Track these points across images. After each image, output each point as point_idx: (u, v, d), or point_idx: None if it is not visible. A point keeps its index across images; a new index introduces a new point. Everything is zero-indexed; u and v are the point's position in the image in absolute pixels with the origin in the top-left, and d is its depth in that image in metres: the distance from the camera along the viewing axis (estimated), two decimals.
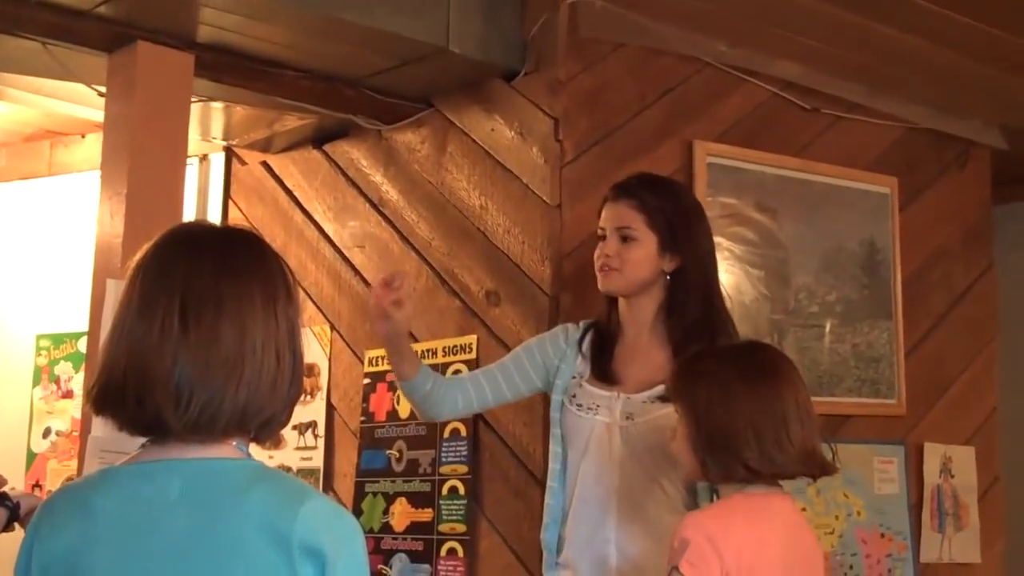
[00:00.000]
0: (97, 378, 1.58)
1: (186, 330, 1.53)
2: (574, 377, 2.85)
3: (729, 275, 3.65)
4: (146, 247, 1.63)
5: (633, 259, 2.79)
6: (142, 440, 1.61)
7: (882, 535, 3.87)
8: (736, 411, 2.21)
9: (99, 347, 1.61)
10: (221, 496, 1.55)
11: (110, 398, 1.57)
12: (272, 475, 1.62)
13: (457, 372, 3.51)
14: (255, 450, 1.69)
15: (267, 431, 1.64)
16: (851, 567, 3.76)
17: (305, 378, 3.91)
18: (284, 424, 1.66)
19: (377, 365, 3.79)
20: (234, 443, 1.61)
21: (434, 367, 3.53)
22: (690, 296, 2.79)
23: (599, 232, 2.87)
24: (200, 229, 1.71)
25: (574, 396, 2.82)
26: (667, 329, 2.80)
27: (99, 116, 3.55)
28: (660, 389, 2.67)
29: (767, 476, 2.22)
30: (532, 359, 2.94)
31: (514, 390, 2.95)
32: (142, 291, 1.57)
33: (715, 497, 2.46)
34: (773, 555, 2.17)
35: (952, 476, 4.11)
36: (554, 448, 2.86)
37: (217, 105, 3.93)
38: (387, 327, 2.74)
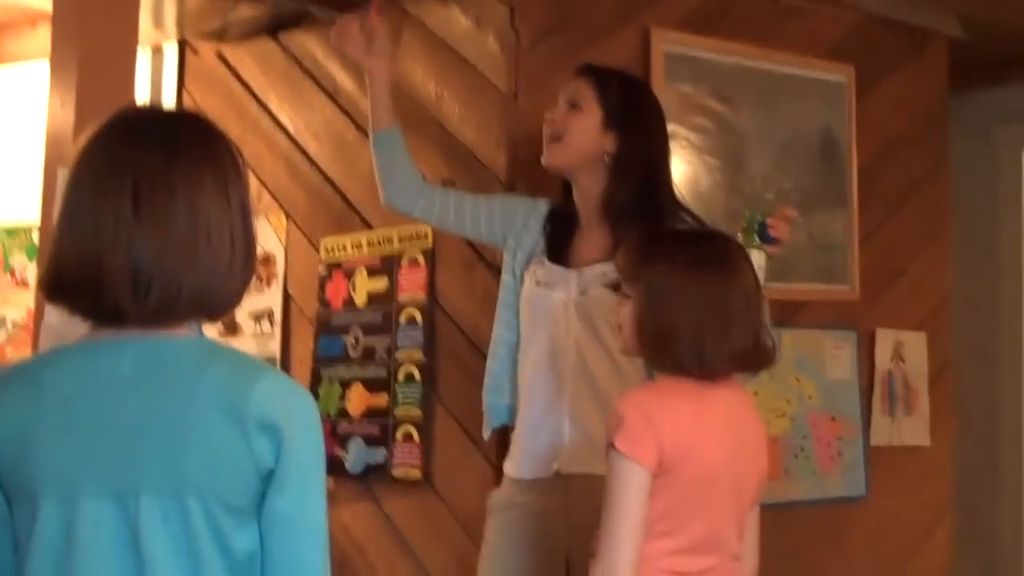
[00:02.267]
0: (49, 266, 1.58)
1: (139, 217, 1.53)
2: (537, 255, 2.90)
3: (686, 164, 3.65)
4: (91, 132, 1.61)
5: (575, 127, 2.84)
6: (94, 323, 1.61)
7: (833, 419, 3.93)
8: (683, 305, 2.18)
9: (50, 235, 1.60)
10: (175, 373, 1.56)
11: (65, 287, 1.57)
12: (226, 352, 1.64)
13: (414, 260, 3.53)
14: (214, 335, 1.69)
15: (222, 312, 1.65)
16: (802, 449, 3.82)
17: (261, 267, 3.94)
18: (238, 303, 1.66)
19: (333, 253, 3.79)
20: (188, 324, 1.62)
21: (390, 256, 3.57)
22: (627, 180, 2.82)
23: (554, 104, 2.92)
24: (146, 113, 1.70)
25: (535, 272, 2.87)
26: (605, 210, 2.84)
27: (49, 5, 3.49)
28: (607, 269, 2.69)
29: (695, 373, 2.19)
30: (504, 211, 3.01)
31: (474, 227, 3.04)
32: (92, 179, 1.56)
33: None
34: (713, 433, 2.19)
35: (903, 361, 4.17)
36: (505, 315, 2.93)
37: None
38: (373, 63, 2.95)
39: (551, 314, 2.83)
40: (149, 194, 1.54)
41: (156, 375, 1.55)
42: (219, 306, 1.62)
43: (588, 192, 2.89)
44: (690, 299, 2.19)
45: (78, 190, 1.57)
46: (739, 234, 2.57)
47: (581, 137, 2.85)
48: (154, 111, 1.72)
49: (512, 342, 2.93)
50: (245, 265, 1.62)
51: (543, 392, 2.82)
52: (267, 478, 1.54)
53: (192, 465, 1.52)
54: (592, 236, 2.86)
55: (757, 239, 2.55)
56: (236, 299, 1.64)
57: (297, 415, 1.57)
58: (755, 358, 2.26)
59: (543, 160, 2.91)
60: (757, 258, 2.46)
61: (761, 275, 2.46)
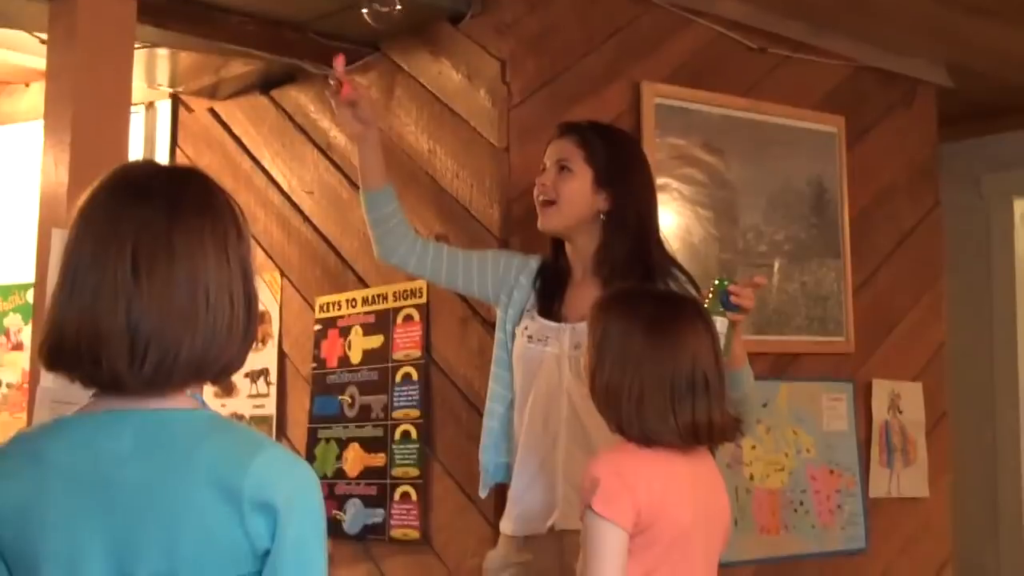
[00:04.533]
0: (48, 334, 1.54)
1: (139, 283, 1.49)
2: (528, 310, 2.91)
3: (678, 216, 3.66)
4: (90, 191, 1.58)
5: (568, 190, 2.86)
6: (93, 390, 1.57)
7: (831, 471, 3.92)
8: (628, 369, 2.21)
9: (48, 299, 1.56)
10: (172, 449, 1.52)
11: (64, 356, 1.53)
12: (225, 426, 1.60)
13: (409, 317, 3.52)
14: (208, 400, 1.67)
15: (224, 376, 1.61)
16: (801, 503, 3.81)
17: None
18: (240, 366, 1.62)
19: (328, 311, 3.79)
20: (188, 392, 1.59)
21: (385, 312, 3.57)
22: (620, 237, 2.85)
23: (541, 167, 2.94)
24: (146, 171, 1.65)
25: (526, 328, 2.88)
26: (599, 267, 2.85)
27: (43, 64, 3.50)
28: None
29: (636, 439, 2.21)
30: (496, 268, 3.02)
31: (466, 283, 3.05)
32: (92, 241, 1.53)
33: None
34: (682, 491, 2.21)
35: (900, 412, 4.16)
36: (500, 373, 2.94)
37: (162, 52, 3.89)
38: (360, 128, 2.93)
39: (544, 369, 2.83)
40: (149, 258, 1.50)
41: (154, 450, 1.52)
42: (219, 371, 1.58)
43: (582, 249, 2.91)
44: (634, 364, 2.21)
45: (78, 253, 1.53)
46: (707, 299, 2.57)
47: (575, 199, 2.87)
48: (154, 168, 1.67)
49: (507, 398, 2.93)
50: (246, 328, 1.58)
51: (537, 448, 2.81)
52: (263, 558, 1.50)
53: (186, 546, 1.48)
54: (585, 291, 2.86)
55: (720, 306, 2.57)
56: (237, 363, 1.60)
57: (295, 493, 1.52)
58: (709, 433, 2.24)
59: (539, 225, 2.93)
60: (720, 326, 2.48)
61: (722, 343, 2.48)
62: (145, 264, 1.50)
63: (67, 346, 1.52)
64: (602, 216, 2.87)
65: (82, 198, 1.58)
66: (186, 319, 1.51)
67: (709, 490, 2.29)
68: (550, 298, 2.91)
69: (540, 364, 2.83)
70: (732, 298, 2.58)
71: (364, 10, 3.14)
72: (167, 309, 1.50)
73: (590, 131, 2.93)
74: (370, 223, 3.03)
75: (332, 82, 2.94)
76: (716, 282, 2.62)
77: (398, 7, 3.15)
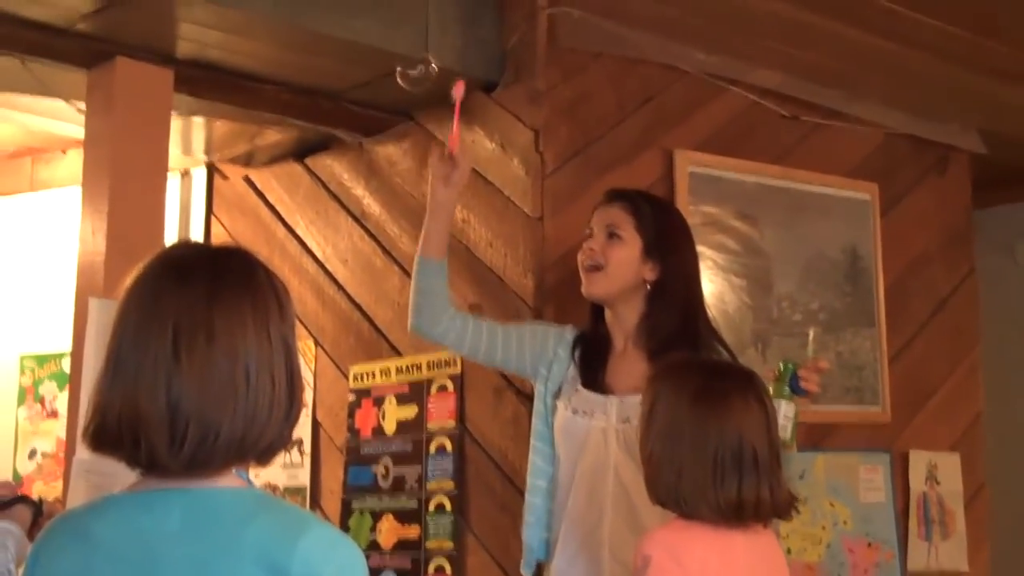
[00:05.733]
0: (92, 416, 1.54)
1: (179, 364, 1.50)
2: (570, 381, 2.88)
3: (711, 284, 3.65)
4: (135, 273, 1.59)
5: (617, 257, 2.84)
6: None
7: (869, 544, 3.87)
8: (671, 441, 2.15)
9: (94, 380, 1.57)
10: (219, 528, 1.52)
11: (107, 437, 1.53)
12: (272, 505, 1.60)
13: (443, 387, 3.51)
14: None
15: (268, 455, 1.60)
16: None
17: None
18: (285, 446, 1.62)
19: (362, 381, 3.78)
20: (234, 470, 1.59)
21: (419, 382, 3.55)
22: (668, 308, 2.82)
23: (587, 232, 2.91)
24: (188, 252, 1.66)
25: (570, 400, 2.85)
26: (645, 339, 2.82)
27: (80, 132, 3.55)
28: None
29: (679, 513, 2.16)
30: (533, 342, 2.98)
31: (504, 359, 3.00)
32: (134, 323, 1.54)
33: None
34: (738, 570, 2.15)
35: (938, 483, 4.11)
36: (541, 447, 2.90)
37: (198, 120, 3.93)
38: (444, 193, 2.91)
39: (590, 442, 2.78)
40: (188, 338, 1.51)
41: (202, 530, 1.52)
42: (262, 451, 1.57)
43: (625, 319, 2.87)
44: (679, 431, 2.15)
45: (121, 334, 1.54)
46: (772, 383, 2.52)
47: (623, 267, 2.85)
48: (198, 248, 1.69)
49: (549, 473, 2.88)
50: (288, 408, 1.58)
51: (580, 523, 2.76)
52: None
53: None
54: (629, 363, 2.83)
55: (788, 390, 2.53)
56: (280, 443, 1.59)
57: (341, 573, 1.52)
58: (756, 510, 2.15)
59: (584, 290, 2.90)
60: (787, 409, 2.44)
61: (790, 428, 2.45)
62: (185, 344, 1.51)
63: (109, 427, 1.52)
64: (648, 285, 2.85)
65: (127, 280, 1.59)
66: (226, 399, 1.51)
67: (769, 569, 2.23)
68: (594, 369, 2.87)
69: (586, 437, 2.78)
70: (801, 382, 2.56)
71: (398, 70, 3.14)
72: (207, 389, 1.50)
73: (641, 199, 2.92)
74: (416, 290, 2.97)
75: (447, 141, 2.93)
76: (781, 365, 2.59)
77: (432, 68, 3.15)
